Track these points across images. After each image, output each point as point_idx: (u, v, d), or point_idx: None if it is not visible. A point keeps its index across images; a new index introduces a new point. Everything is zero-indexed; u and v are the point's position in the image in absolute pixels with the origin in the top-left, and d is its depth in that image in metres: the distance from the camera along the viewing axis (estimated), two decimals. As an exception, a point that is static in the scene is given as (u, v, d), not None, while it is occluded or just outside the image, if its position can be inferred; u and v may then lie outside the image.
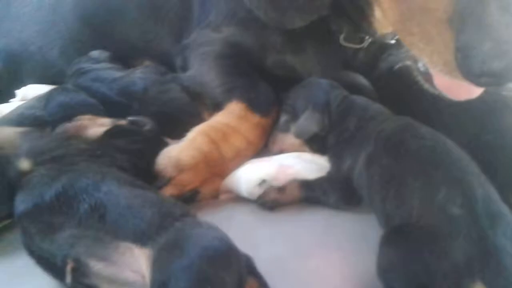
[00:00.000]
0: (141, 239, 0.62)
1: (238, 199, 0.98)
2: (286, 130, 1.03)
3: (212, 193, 0.99)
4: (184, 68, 1.23)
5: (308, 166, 0.95)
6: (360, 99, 0.97)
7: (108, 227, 0.66)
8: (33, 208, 0.73)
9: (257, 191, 0.94)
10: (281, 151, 1.03)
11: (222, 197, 1.00)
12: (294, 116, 1.01)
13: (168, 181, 0.95)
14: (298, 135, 1.00)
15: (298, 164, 0.95)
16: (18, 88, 1.44)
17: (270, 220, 0.91)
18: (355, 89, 1.05)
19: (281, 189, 0.93)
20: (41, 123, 1.05)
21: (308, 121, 0.97)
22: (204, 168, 0.98)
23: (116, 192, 0.71)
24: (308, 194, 0.92)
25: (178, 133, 1.06)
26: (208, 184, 0.99)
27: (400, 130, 0.82)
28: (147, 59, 1.37)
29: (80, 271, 0.63)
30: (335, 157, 0.93)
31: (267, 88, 1.11)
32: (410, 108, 0.97)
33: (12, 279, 0.86)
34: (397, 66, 1.09)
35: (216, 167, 1.00)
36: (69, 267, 0.64)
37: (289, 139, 1.02)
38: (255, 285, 0.63)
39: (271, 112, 1.07)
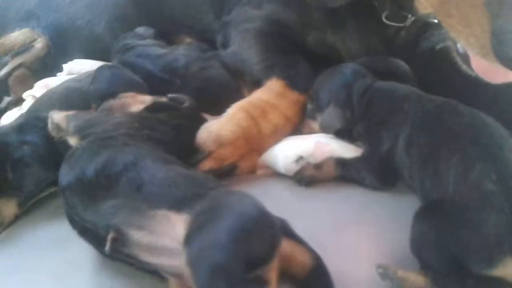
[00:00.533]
0: (177, 206, 0.65)
1: (275, 175, 1.01)
2: (312, 117, 1.04)
3: (250, 168, 1.02)
4: (225, 45, 1.24)
5: (344, 145, 0.96)
6: (385, 84, 0.96)
7: (145, 197, 0.69)
8: (75, 181, 0.77)
9: (294, 167, 0.95)
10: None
11: (259, 172, 1.03)
12: (318, 107, 1.02)
13: (208, 155, 0.97)
14: (323, 130, 1.00)
15: (335, 142, 0.96)
16: (65, 62, 1.49)
17: (305, 196, 0.93)
18: (392, 72, 1.03)
19: (318, 166, 0.94)
20: (87, 98, 1.10)
21: (331, 118, 0.97)
22: (242, 143, 1.00)
23: (153, 166, 0.74)
24: (343, 172, 0.93)
25: (218, 110, 1.08)
26: (246, 159, 1.01)
27: (438, 108, 0.82)
28: (189, 36, 1.39)
29: (120, 240, 0.66)
30: (370, 140, 0.93)
31: (307, 66, 1.12)
32: (449, 88, 0.96)
33: (57, 243, 0.92)
34: (438, 46, 1.07)
35: (255, 142, 1.02)
36: (110, 237, 0.67)
37: (317, 126, 1.03)
38: (292, 245, 0.65)
39: (309, 90, 1.07)
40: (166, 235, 0.64)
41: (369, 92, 0.95)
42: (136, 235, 0.66)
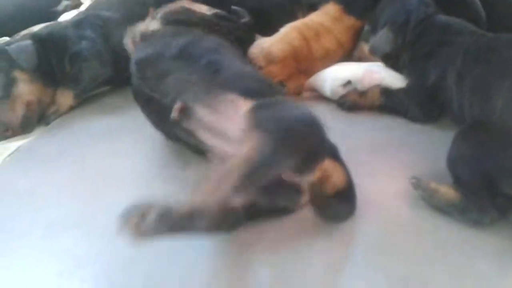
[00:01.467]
0: (248, 93, 0.69)
1: (320, 98, 1.03)
2: (366, 40, 1.04)
3: (296, 90, 1.04)
4: None
5: (394, 75, 0.96)
6: (442, 18, 0.94)
7: (221, 80, 0.73)
8: (154, 55, 0.81)
9: (341, 91, 0.97)
10: (359, 59, 1.05)
11: (305, 94, 1.05)
12: (374, 29, 1.01)
13: (258, 70, 1.00)
14: (371, 52, 1.00)
15: (384, 71, 0.97)
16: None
17: (347, 119, 0.95)
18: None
19: (363, 92, 0.96)
20: (145, 2, 1.13)
21: (382, 40, 0.97)
22: (292, 63, 1.02)
23: (231, 57, 0.80)
24: (387, 102, 0.94)
25: (271, 31, 1.09)
26: (293, 80, 1.03)
27: (492, 41, 0.81)
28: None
29: (185, 113, 0.71)
30: (415, 72, 0.92)
31: None
32: None
33: (105, 134, 0.98)
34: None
35: (304, 63, 1.03)
36: (177, 106, 0.71)
37: (367, 48, 1.03)
38: (334, 166, 0.68)
39: (366, 16, 1.07)
40: (230, 118, 0.67)
41: (426, 22, 0.93)
42: (201, 112, 0.69)
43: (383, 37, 0.96)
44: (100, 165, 0.88)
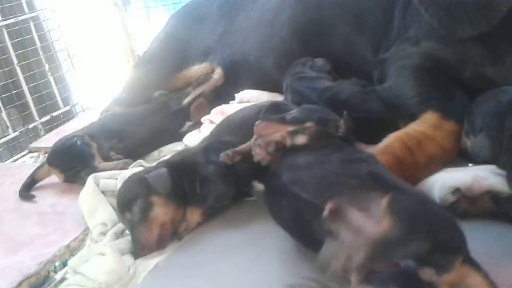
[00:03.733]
0: (387, 189, 0.75)
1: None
2: (467, 136, 1.06)
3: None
4: (381, 80, 1.32)
5: (502, 179, 0.96)
6: None
7: (378, 184, 0.81)
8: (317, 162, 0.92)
9: (450, 199, 0.99)
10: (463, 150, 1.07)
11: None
12: (472, 130, 1.03)
13: None
14: (473, 158, 1.02)
15: (494, 177, 0.97)
16: (237, 92, 1.70)
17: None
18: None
19: (473, 200, 0.96)
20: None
21: (480, 146, 0.99)
22: (397, 172, 1.05)
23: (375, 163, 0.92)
24: (498, 208, 0.94)
25: (374, 140, 1.17)
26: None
27: None
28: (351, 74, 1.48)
29: (335, 213, 0.76)
30: None
31: (464, 96, 1.14)
32: None
33: (232, 248, 1.07)
34: None
35: (409, 171, 1.08)
36: (328, 206, 0.76)
37: (469, 144, 1.05)
38: (468, 271, 0.68)
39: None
40: (372, 216, 0.72)
41: None
42: (353, 214, 0.74)
43: (480, 143, 0.98)
44: (229, 279, 0.97)
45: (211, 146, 1.25)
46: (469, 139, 1.05)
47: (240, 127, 1.28)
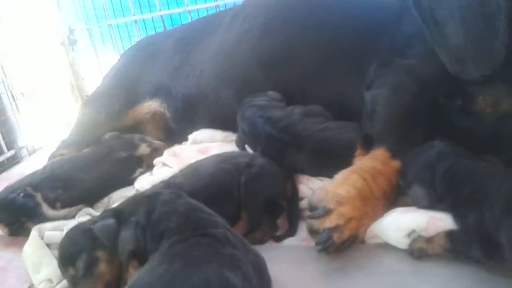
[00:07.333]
0: None
1: (385, 246, 1.03)
2: (404, 193, 1.09)
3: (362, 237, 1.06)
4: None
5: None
6: (466, 166, 0.98)
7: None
8: None
9: (406, 241, 0.98)
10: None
11: (369, 241, 1.06)
12: (405, 184, 1.07)
13: (327, 212, 1.03)
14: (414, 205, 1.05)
15: (448, 218, 0.97)
16: (191, 132, 1.65)
17: (413, 269, 0.95)
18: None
19: (429, 239, 0.96)
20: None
21: (416, 196, 1.03)
22: (359, 204, 1.06)
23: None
24: (452, 246, 0.94)
25: (330, 171, 1.17)
26: (362, 226, 1.06)
27: None
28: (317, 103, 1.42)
29: None
30: (469, 211, 0.93)
31: (421, 141, 1.13)
32: None
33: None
34: None
35: (368, 204, 1.07)
36: None
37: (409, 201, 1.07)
38: None
39: None
40: None
41: (451, 172, 0.99)
42: None
43: (416, 194, 1.02)
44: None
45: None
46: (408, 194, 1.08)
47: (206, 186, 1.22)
